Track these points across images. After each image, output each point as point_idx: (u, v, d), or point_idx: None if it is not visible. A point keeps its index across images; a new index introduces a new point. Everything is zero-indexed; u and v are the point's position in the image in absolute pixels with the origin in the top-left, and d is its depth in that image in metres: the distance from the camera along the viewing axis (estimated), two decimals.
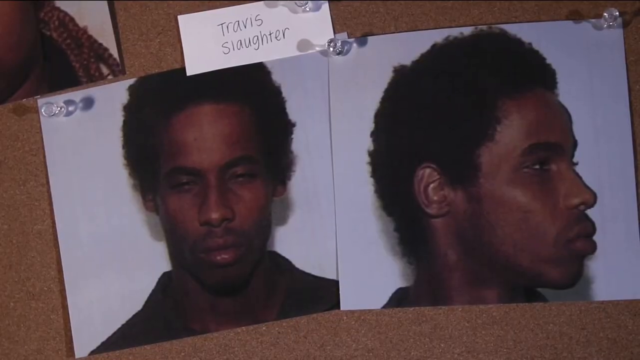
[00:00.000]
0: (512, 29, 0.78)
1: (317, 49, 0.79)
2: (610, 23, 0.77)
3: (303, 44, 0.79)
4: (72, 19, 0.81)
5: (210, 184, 0.77)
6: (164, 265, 0.78)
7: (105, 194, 0.79)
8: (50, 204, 0.79)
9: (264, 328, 0.77)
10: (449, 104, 0.78)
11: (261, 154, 0.78)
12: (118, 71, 0.80)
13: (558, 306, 0.76)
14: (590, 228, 0.76)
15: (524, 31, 0.78)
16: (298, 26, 0.79)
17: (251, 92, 0.79)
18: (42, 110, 0.79)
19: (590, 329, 0.75)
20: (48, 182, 0.79)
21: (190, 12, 0.80)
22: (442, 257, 0.77)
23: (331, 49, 0.78)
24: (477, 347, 0.76)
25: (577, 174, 0.76)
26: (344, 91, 0.79)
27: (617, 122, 0.77)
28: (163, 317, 0.77)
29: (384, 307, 0.76)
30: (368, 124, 0.78)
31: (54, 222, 0.78)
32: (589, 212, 0.76)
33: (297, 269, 0.77)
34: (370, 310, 0.77)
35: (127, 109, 0.80)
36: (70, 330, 0.77)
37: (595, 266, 0.76)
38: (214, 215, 0.76)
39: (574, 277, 0.76)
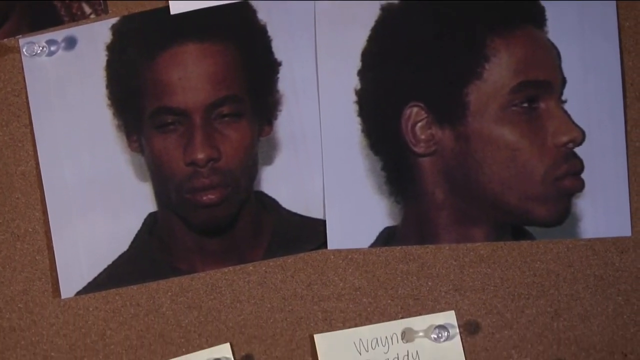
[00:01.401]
0: None
1: None
2: None
3: None
4: None
5: (195, 124, 0.76)
6: (150, 205, 0.77)
7: (89, 135, 0.78)
8: (34, 145, 0.78)
9: (250, 268, 0.77)
10: (437, 42, 0.77)
11: (247, 94, 0.77)
12: (100, 10, 0.79)
13: (545, 244, 0.76)
14: (578, 166, 0.76)
15: None
16: None
17: (236, 31, 0.78)
18: (24, 50, 0.78)
19: (577, 266, 0.75)
20: (31, 123, 0.78)
21: None
22: (429, 196, 0.76)
23: None
24: (465, 285, 0.76)
25: (565, 112, 0.76)
26: (330, 30, 0.78)
27: (606, 60, 0.77)
28: (149, 257, 0.77)
29: (371, 246, 0.76)
30: (355, 63, 0.77)
31: (37, 164, 0.77)
32: (577, 149, 0.76)
33: (284, 209, 0.77)
34: (357, 250, 0.76)
35: (110, 48, 0.78)
36: (56, 271, 0.77)
37: (583, 204, 0.76)
38: (200, 156, 0.75)
39: (561, 215, 0.76)
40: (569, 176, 0.75)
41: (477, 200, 0.76)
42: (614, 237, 0.75)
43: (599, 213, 0.75)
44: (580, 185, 0.76)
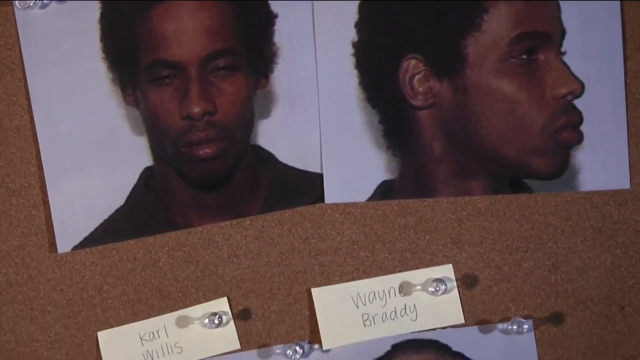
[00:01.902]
0: None
1: None
2: None
3: None
4: None
5: (191, 77, 0.75)
6: (146, 159, 0.77)
7: (84, 89, 0.77)
8: (28, 99, 0.77)
9: (247, 222, 0.76)
10: None
11: (243, 46, 0.76)
12: None
13: (544, 197, 0.75)
14: (577, 118, 0.75)
15: None
16: None
17: None
18: (17, 2, 0.76)
19: (576, 219, 0.75)
20: (25, 77, 0.77)
21: None
22: (427, 149, 0.76)
23: None
24: (462, 238, 0.75)
25: (564, 64, 0.75)
26: None
27: (606, 11, 0.76)
28: (146, 211, 0.76)
29: (369, 199, 0.76)
30: (352, 15, 0.76)
31: (32, 118, 0.77)
32: (576, 102, 0.75)
33: (281, 163, 0.76)
34: (354, 203, 0.76)
35: (104, 0, 0.77)
36: (52, 226, 0.76)
37: (582, 156, 0.75)
38: (196, 109, 0.75)
39: (560, 168, 0.75)
40: (567, 128, 0.75)
41: (475, 153, 0.75)
42: (613, 189, 0.75)
43: (598, 165, 0.75)
44: (579, 138, 0.75)
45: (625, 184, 0.75)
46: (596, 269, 0.75)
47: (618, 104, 0.75)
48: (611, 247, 0.75)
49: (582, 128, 0.75)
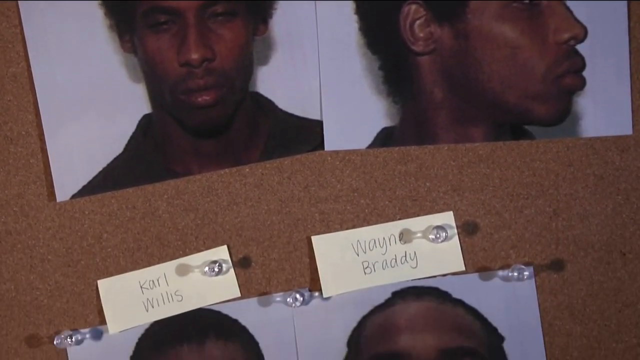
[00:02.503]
0: None
1: None
2: None
3: None
4: None
5: (189, 23, 0.74)
6: (144, 107, 0.76)
7: (81, 35, 0.76)
8: (24, 46, 0.76)
9: (247, 170, 0.76)
10: None
11: None
12: None
13: (545, 143, 0.75)
14: (579, 63, 0.74)
15: None
16: None
17: None
18: None
19: (577, 166, 0.75)
20: (21, 23, 0.76)
21: None
22: (427, 95, 0.75)
23: None
24: (463, 185, 0.75)
25: (567, 8, 0.74)
26: None
27: None
28: (144, 159, 0.76)
29: (369, 147, 0.75)
30: None
31: (28, 65, 0.76)
32: (579, 47, 0.74)
33: (280, 110, 0.76)
34: (354, 151, 0.75)
35: None
36: (50, 175, 0.76)
37: (584, 102, 0.74)
38: (194, 56, 0.74)
39: (562, 114, 0.75)
40: (570, 74, 0.74)
41: (476, 99, 0.75)
42: (615, 135, 0.74)
43: (600, 111, 0.74)
44: (581, 83, 0.74)
45: (628, 130, 0.74)
46: (597, 216, 0.75)
47: (621, 49, 0.74)
48: (612, 193, 0.75)
49: (585, 73, 0.74)
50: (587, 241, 0.75)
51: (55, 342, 0.75)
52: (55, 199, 0.76)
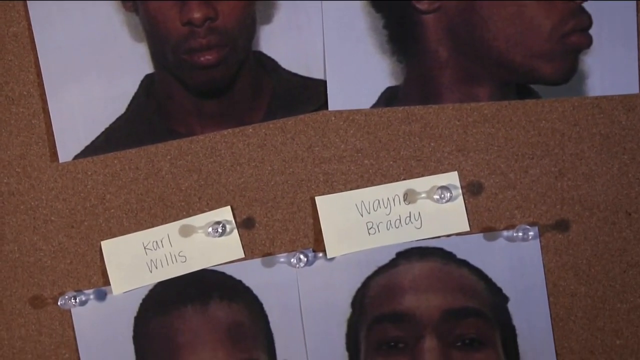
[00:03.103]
0: None
1: None
2: None
3: None
4: None
5: None
6: (146, 67, 0.75)
7: None
8: (25, 5, 0.75)
9: (250, 130, 0.75)
10: None
11: None
12: None
13: (551, 102, 0.74)
14: (586, 21, 0.73)
15: None
16: None
17: None
18: None
19: (583, 125, 0.74)
20: None
21: None
22: (432, 54, 0.74)
23: None
24: (468, 145, 0.74)
25: None
26: None
27: None
28: (147, 119, 0.75)
29: (373, 106, 0.75)
30: None
31: (29, 24, 0.75)
32: (585, 4, 0.73)
33: (284, 69, 0.75)
34: (358, 110, 0.75)
35: None
36: (52, 135, 0.75)
37: (591, 61, 0.74)
38: (196, 15, 0.73)
39: (568, 73, 0.74)
40: (576, 32, 0.73)
41: (482, 58, 0.74)
42: (621, 94, 0.74)
43: (607, 70, 0.74)
44: (587, 42, 0.73)
45: (634, 89, 0.74)
46: (603, 176, 0.74)
47: (628, 6, 0.73)
48: (618, 153, 0.74)
49: (591, 32, 0.73)
50: (592, 201, 0.74)
51: (59, 303, 0.75)
52: (57, 159, 0.75)
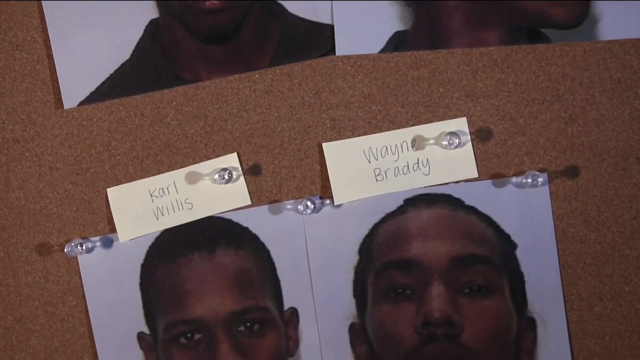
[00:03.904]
0: None
1: None
2: None
3: None
4: None
5: None
6: (151, 12, 0.74)
7: None
8: None
9: (257, 76, 0.74)
10: None
11: None
12: None
13: (562, 47, 0.73)
14: None
15: None
16: None
17: None
18: None
19: (595, 70, 0.73)
20: None
21: None
22: None
23: None
24: (477, 90, 0.74)
25: None
26: None
27: None
28: (152, 65, 0.74)
29: (381, 51, 0.74)
30: None
31: None
32: None
33: (290, 14, 0.74)
34: (366, 55, 0.74)
35: None
36: (57, 81, 0.74)
37: (602, 4, 0.72)
38: None
39: (579, 16, 0.72)
40: None
41: (492, 2, 0.72)
42: (634, 38, 0.72)
43: (619, 13, 0.72)
44: None
45: None
46: (614, 121, 0.73)
47: None
48: (630, 98, 0.73)
49: None
50: (602, 147, 0.73)
51: (65, 250, 0.75)
52: (62, 106, 0.75)
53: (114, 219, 0.75)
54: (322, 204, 0.75)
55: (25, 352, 0.77)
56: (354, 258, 0.75)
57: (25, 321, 0.76)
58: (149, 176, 0.75)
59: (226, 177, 0.74)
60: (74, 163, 0.75)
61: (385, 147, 0.74)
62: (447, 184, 0.74)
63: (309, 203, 0.74)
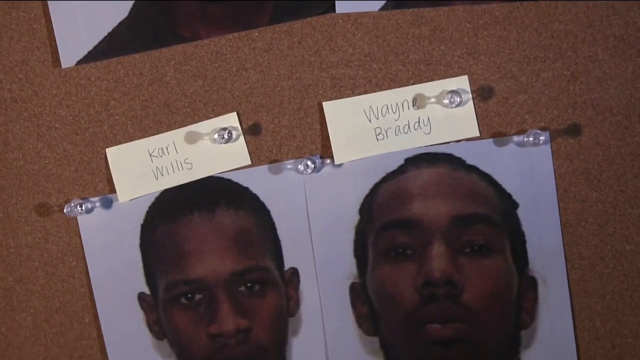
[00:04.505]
0: None
1: None
2: None
3: None
4: None
5: None
6: None
7: None
8: None
9: (256, 34, 0.74)
10: None
11: None
12: None
13: (564, 4, 0.72)
14: None
15: None
16: None
17: None
18: None
19: (597, 27, 0.72)
20: None
21: None
22: None
23: None
24: (479, 48, 0.73)
25: None
26: None
27: None
28: (150, 23, 0.74)
29: (382, 9, 0.73)
30: None
31: None
32: None
33: None
34: (366, 13, 0.73)
35: None
36: (54, 40, 0.74)
37: None
38: None
39: None
40: None
41: None
42: None
43: None
44: None
45: None
46: (616, 79, 0.72)
47: None
48: (633, 55, 0.72)
49: None
50: (605, 105, 0.73)
51: (65, 211, 0.74)
52: (60, 65, 0.74)
53: (114, 179, 0.75)
54: (323, 163, 0.74)
55: (25, 312, 0.77)
56: (354, 218, 0.74)
57: (25, 282, 0.76)
58: (148, 136, 0.74)
59: (226, 136, 0.73)
60: (72, 123, 0.75)
61: (385, 106, 0.73)
62: (448, 143, 0.73)
63: (309, 163, 0.73)
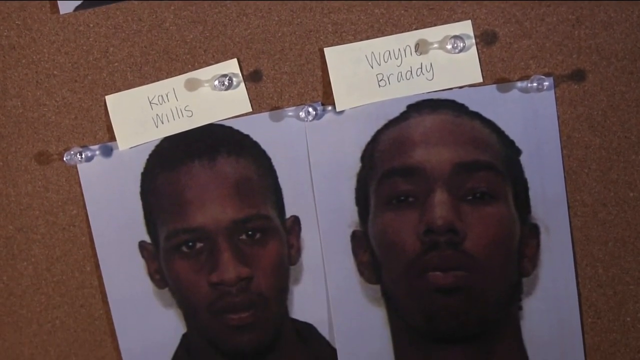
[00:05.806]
0: None
1: None
2: None
3: None
4: None
5: None
6: None
7: None
8: None
9: None
10: None
11: None
12: None
13: None
14: None
15: None
16: None
17: None
18: None
19: None
20: None
21: None
22: None
23: None
24: None
25: None
26: None
27: None
28: None
29: None
30: None
31: None
32: None
33: None
34: None
35: None
36: None
37: None
38: None
39: None
40: None
41: None
42: None
43: None
44: None
45: None
46: (622, 23, 0.71)
47: None
48: None
49: None
50: (610, 50, 0.72)
51: (64, 159, 0.74)
52: (58, 11, 0.73)
53: (113, 127, 0.74)
54: (324, 110, 0.73)
55: (27, 261, 0.77)
56: (356, 165, 0.74)
57: (26, 230, 0.76)
58: (147, 83, 0.74)
59: (226, 83, 0.72)
60: (71, 70, 0.74)
61: (388, 52, 0.72)
62: (450, 89, 0.73)
63: (310, 109, 0.73)
